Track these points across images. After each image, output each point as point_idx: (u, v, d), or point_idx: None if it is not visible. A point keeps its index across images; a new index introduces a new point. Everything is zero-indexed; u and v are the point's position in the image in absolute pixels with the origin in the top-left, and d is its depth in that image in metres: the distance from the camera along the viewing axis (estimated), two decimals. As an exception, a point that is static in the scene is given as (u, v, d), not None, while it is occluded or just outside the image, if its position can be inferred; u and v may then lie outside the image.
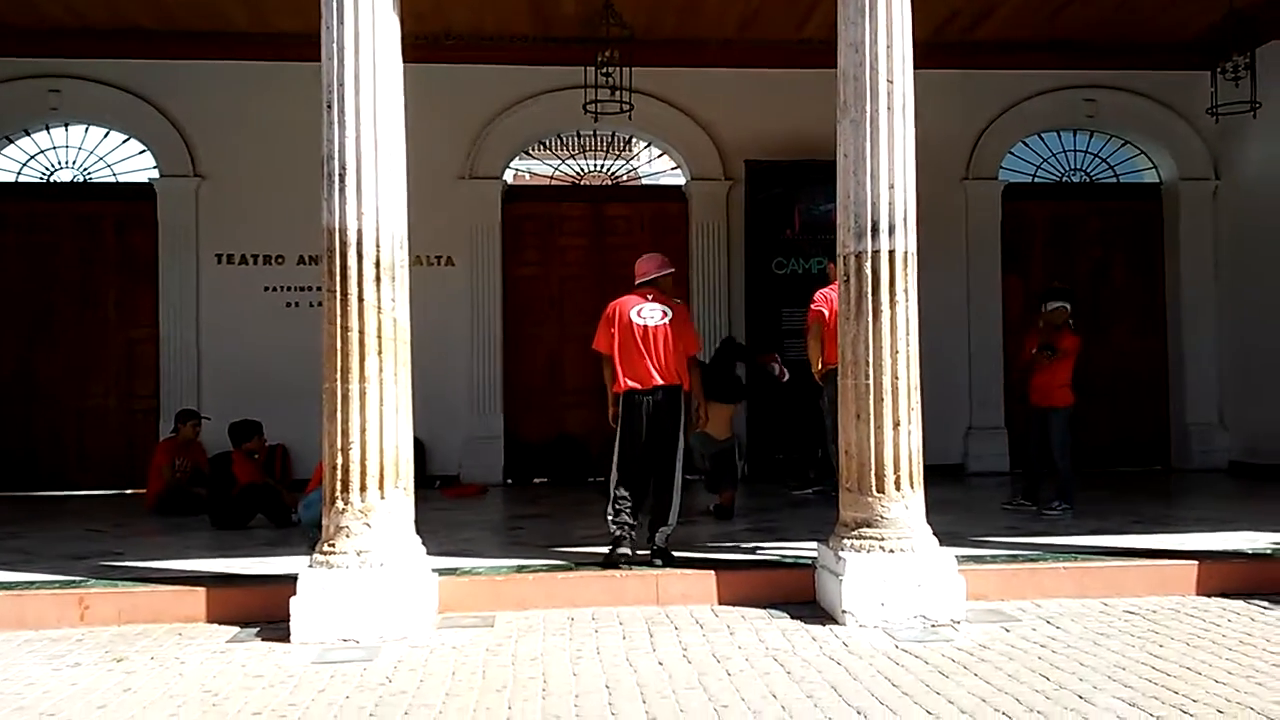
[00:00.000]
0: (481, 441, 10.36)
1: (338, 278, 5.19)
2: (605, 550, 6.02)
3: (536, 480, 10.52)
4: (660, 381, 6.07)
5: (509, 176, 11.07)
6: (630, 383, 6.08)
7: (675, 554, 6.10)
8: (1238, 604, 5.55)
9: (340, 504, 5.14)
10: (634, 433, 6.07)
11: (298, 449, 9.67)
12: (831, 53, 5.69)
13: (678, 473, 6.14)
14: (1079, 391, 8.12)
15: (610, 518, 6.04)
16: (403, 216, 5.35)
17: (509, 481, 10.40)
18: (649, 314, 6.13)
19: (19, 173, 10.55)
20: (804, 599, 5.65)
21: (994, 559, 6.03)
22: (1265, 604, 5.54)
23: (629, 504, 6.04)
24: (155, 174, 10.32)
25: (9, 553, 6.56)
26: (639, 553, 6.06)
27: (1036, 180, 11.29)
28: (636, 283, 6.34)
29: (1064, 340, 7.99)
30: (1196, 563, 5.88)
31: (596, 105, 9.00)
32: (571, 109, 9.86)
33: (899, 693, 4.16)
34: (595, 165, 11.35)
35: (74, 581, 5.66)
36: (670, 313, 6.18)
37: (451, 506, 8.64)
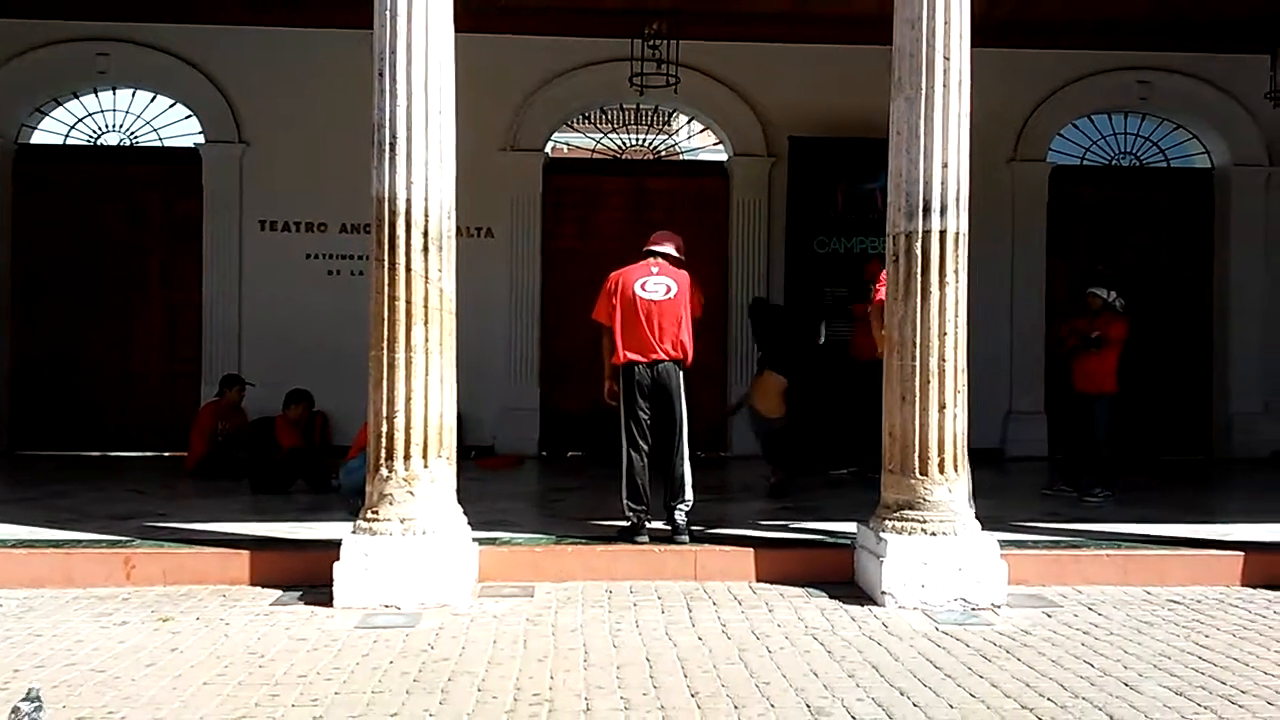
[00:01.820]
0: (517, 413, 10.39)
1: (386, 247, 5.20)
2: (624, 525, 6.02)
3: (571, 453, 10.54)
4: (661, 356, 6.03)
5: (548, 149, 11.04)
6: (631, 355, 6.02)
7: (711, 531, 6.13)
8: (1285, 596, 5.48)
9: (384, 471, 5.18)
10: (637, 407, 6.04)
11: (336, 416, 9.72)
12: (884, 28, 5.63)
13: (683, 446, 6.09)
14: (1122, 378, 8.02)
15: (628, 502, 5.99)
16: (451, 187, 5.36)
17: (544, 454, 10.43)
18: (653, 288, 6.07)
19: (66, 135, 10.64)
20: (842, 579, 5.64)
21: (1035, 544, 5.99)
22: (1312, 597, 5.47)
23: (643, 486, 5.99)
24: (200, 139, 10.37)
25: (58, 511, 6.68)
26: (658, 525, 6.00)
27: (1085, 163, 11.11)
28: (648, 249, 6.23)
29: (1112, 328, 7.90)
30: (1242, 553, 5.82)
31: (642, 79, 8.94)
32: (615, 81, 9.82)
33: (941, 674, 4.14)
34: (636, 140, 11.29)
35: (120, 541, 5.75)
36: (675, 287, 6.10)
37: (488, 477, 8.69)
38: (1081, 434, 8.01)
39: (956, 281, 5.35)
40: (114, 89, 10.58)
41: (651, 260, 6.21)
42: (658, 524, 6.03)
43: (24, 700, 3.34)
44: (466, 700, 3.77)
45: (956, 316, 5.36)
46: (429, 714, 3.63)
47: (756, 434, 7.94)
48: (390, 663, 4.21)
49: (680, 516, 5.98)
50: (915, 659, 4.35)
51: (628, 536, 5.94)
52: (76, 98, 10.59)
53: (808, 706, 3.75)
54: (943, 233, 5.31)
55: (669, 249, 6.26)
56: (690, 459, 6.16)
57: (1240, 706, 3.77)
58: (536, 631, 4.68)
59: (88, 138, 10.64)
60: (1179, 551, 5.92)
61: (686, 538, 5.92)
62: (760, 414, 7.76)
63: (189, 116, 10.46)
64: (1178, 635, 4.73)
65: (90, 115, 10.64)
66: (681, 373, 6.13)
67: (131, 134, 10.65)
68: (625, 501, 6.00)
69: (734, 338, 10.58)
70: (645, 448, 6.07)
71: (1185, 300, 11.01)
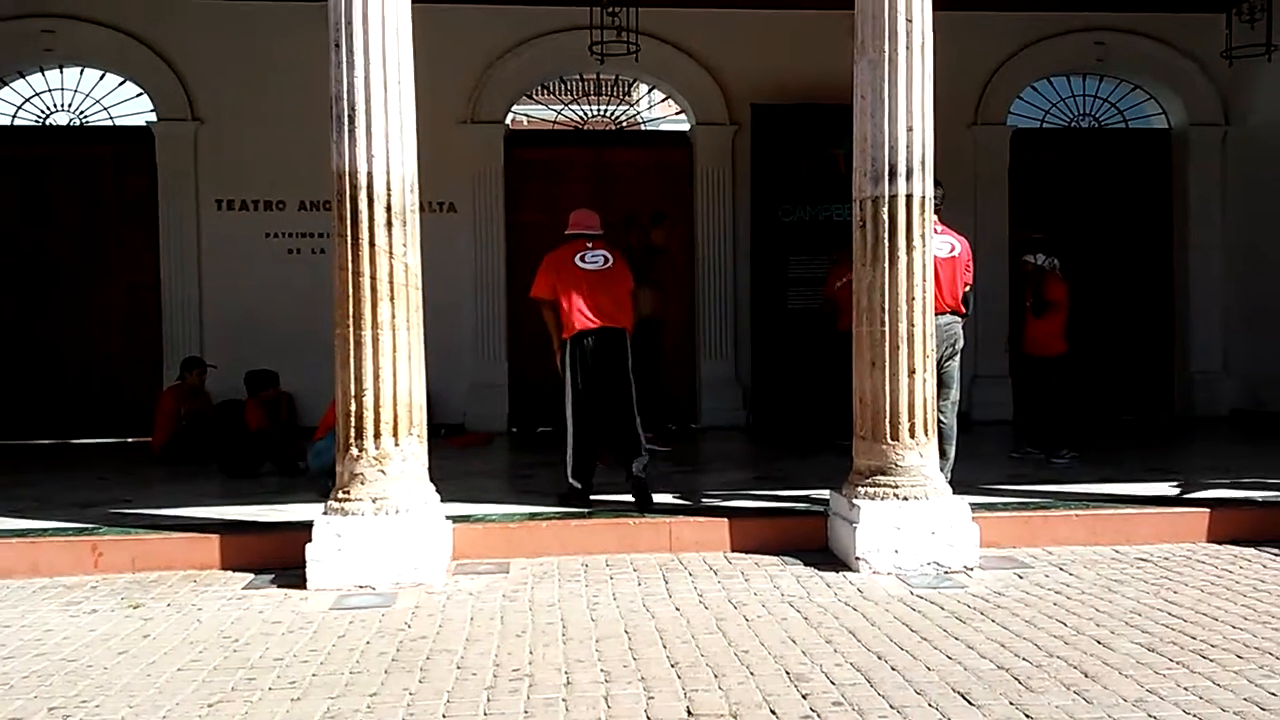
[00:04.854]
0: (486, 390, 10.33)
1: (348, 222, 5.11)
2: (563, 494, 6.22)
3: (541, 428, 10.48)
4: (608, 324, 6.21)
5: (509, 121, 10.91)
6: (580, 326, 6.20)
7: (684, 502, 6.26)
8: (1249, 551, 5.58)
9: (355, 451, 5.11)
10: (582, 375, 6.21)
11: (301, 396, 9.60)
12: (846, -9, 5.59)
13: (634, 405, 6.27)
14: (1084, 339, 8.12)
15: (570, 477, 6.21)
16: (413, 159, 5.27)
17: (514, 430, 10.39)
18: (592, 260, 6.31)
19: (14, 116, 10.37)
20: (816, 546, 5.67)
21: (1005, 507, 6.04)
22: (1275, 551, 5.57)
23: (587, 455, 6.21)
24: (153, 117, 10.15)
25: (21, 500, 6.54)
26: (621, 498, 6.19)
27: (1045, 126, 11.17)
28: (575, 233, 6.44)
29: (1052, 290, 7.99)
30: (1208, 510, 5.91)
31: (603, 47, 8.84)
32: (575, 51, 9.72)
33: (917, 638, 4.17)
34: (598, 110, 11.19)
35: (86, 529, 5.65)
36: (612, 259, 6.37)
37: (459, 455, 8.63)
38: (1036, 397, 8.12)
39: (924, 246, 5.36)
40: (61, 67, 10.33)
41: (584, 240, 6.39)
42: (624, 496, 6.20)
43: None
44: (446, 678, 3.75)
45: (924, 281, 5.37)
46: (409, 693, 3.60)
47: None
48: (367, 643, 4.18)
49: (639, 468, 6.16)
50: (891, 623, 4.38)
51: (569, 501, 6.14)
52: (23, 77, 10.34)
53: (787, 673, 3.76)
54: (909, 197, 5.30)
55: (597, 228, 6.48)
56: (642, 423, 6.35)
57: (1210, 660, 3.83)
58: (513, 607, 4.66)
59: (36, 118, 10.39)
60: (1146, 510, 6.00)
61: (638, 494, 6.09)
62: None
63: (140, 94, 10.23)
64: (1147, 593, 4.80)
65: (38, 94, 10.38)
66: (627, 338, 6.30)
67: (81, 113, 10.41)
68: (570, 480, 6.20)
69: (701, 310, 10.58)
70: (590, 417, 6.23)
71: (1145, 260, 11.13)
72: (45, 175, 10.18)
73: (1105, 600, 4.67)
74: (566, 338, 6.26)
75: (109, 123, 10.42)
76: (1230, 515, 5.89)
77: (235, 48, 9.89)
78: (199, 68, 10.00)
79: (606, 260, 6.33)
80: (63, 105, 10.39)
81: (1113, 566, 5.30)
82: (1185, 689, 3.55)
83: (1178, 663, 3.81)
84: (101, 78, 10.34)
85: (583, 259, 6.29)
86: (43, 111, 10.39)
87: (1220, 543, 5.74)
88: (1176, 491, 6.38)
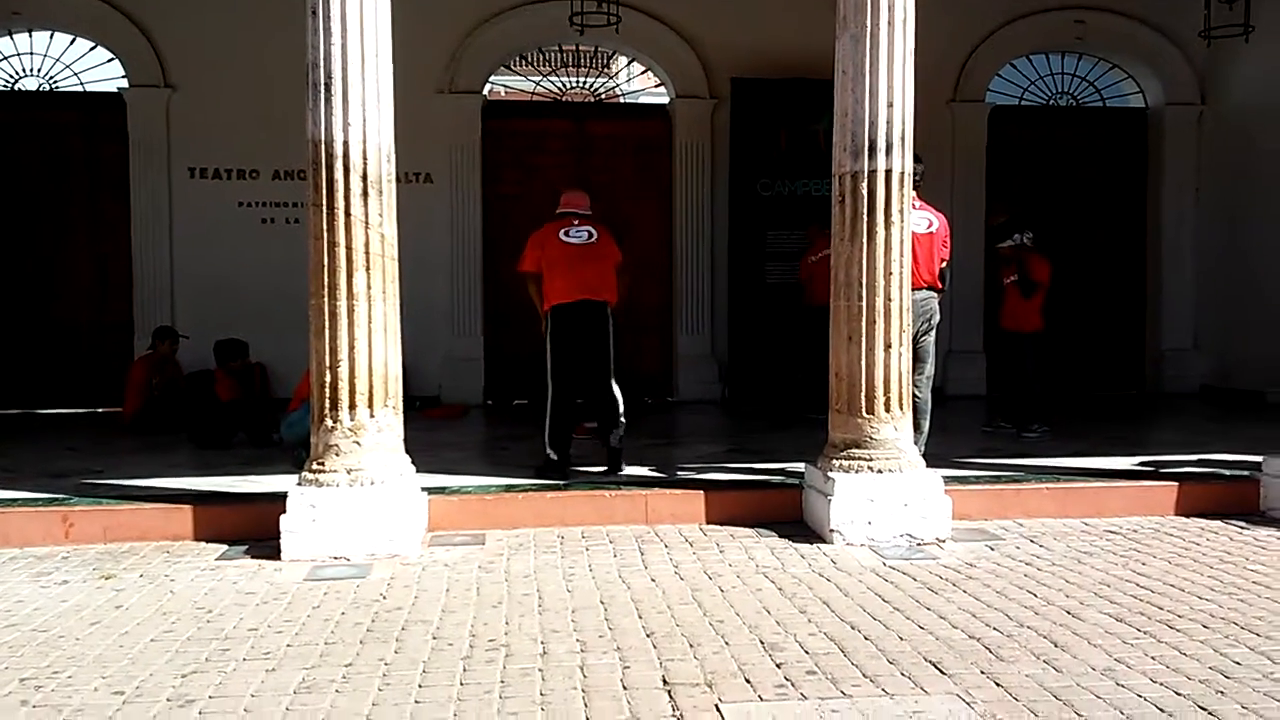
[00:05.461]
0: (462, 362, 10.31)
1: (324, 191, 5.05)
2: (540, 465, 6.36)
3: (516, 401, 10.49)
4: (589, 297, 6.31)
5: (486, 92, 10.83)
6: (560, 299, 6.30)
7: (660, 474, 6.29)
8: (1215, 524, 5.66)
9: (329, 422, 5.09)
10: (565, 347, 6.33)
11: (275, 367, 9.53)
12: (828, -35, 5.56)
13: (612, 374, 6.40)
14: (1058, 316, 8.19)
15: (548, 447, 6.35)
16: (390, 129, 5.21)
17: (489, 402, 10.38)
18: (576, 234, 6.43)
19: (-19, 81, 10.21)
20: (791, 518, 5.70)
21: (977, 479, 6.09)
22: (1242, 524, 5.65)
23: (565, 426, 6.36)
24: (124, 84, 10.00)
25: (-10, 469, 6.49)
26: (596, 469, 6.34)
27: (1023, 103, 11.20)
28: (564, 211, 6.54)
29: (1037, 271, 8.04)
30: (1176, 484, 5.98)
31: (583, 17, 8.77)
32: (555, 21, 9.65)
33: (890, 608, 4.21)
34: (576, 82, 11.12)
35: (57, 499, 5.59)
36: (596, 234, 6.47)
37: (434, 427, 8.61)
38: (1012, 372, 8.19)
39: (902, 221, 5.36)
40: (30, 31, 10.14)
41: (571, 217, 6.50)
42: (601, 468, 6.33)
43: None
44: (422, 648, 3.75)
45: (901, 256, 5.37)
46: (384, 663, 3.60)
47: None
48: (342, 614, 4.17)
49: (616, 440, 6.33)
50: (864, 594, 4.42)
51: (546, 472, 6.22)
52: (-10, 41, 10.16)
53: (761, 643, 3.79)
54: (888, 172, 5.30)
55: (585, 208, 6.58)
56: (624, 396, 6.46)
57: (1177, 630, 3.89)
58: (489, 578, 4.66)
59: (4, 83, 10.21)
60: (1116, 484, 6.06)
61: (612, 465, 6.29)
62: None
63: (111, 60, 10.06)
64: (1116, 564, 4.86)
65: (6, 59, 10.21)
66: (609, 312, 6.40)
67: (51, 78, 10.24)
68: (548, 450, 6.34)
69: (678, 284, 10.57)
70: (571, 390, 6.37)
71: (1120, 238, 11.23)
72: (13, 141, 10.02)
73: (1075, 571, 4.72)
74: (548, 309, 6.35)
75: (79, 88, 10.25)
76: (1198, 489, 5.97)
77: (209, 13, 9.76)
78: (172, 33, 9.86)
79: (591, 235, 6.43)
80: (32, 70, 10.22)
81: (1082, 538, 5.36)
82: (1152, 658, 3.60)
83: (1145, 633, 3.87)
84: (72, 42, 10.17)
85: (567, 234, 6.41)
86: (11, 76, 10.21)
87: (1188, 516, 5.82)
88: (1149, 468, 6.45)
